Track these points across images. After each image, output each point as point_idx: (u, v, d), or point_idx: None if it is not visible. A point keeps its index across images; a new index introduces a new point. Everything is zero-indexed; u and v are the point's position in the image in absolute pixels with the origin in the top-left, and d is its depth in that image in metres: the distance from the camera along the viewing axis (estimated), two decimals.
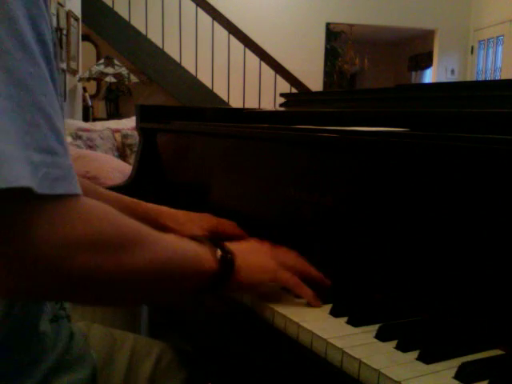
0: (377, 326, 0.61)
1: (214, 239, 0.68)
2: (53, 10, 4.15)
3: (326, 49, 7.37)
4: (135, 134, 3.81)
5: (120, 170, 2.71)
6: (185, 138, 1.36)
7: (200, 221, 0.96)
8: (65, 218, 0.48)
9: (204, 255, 0.64)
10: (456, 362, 0.53)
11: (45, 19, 0.50)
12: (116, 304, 0.83)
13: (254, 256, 0.70)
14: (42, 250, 0.46)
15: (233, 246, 0.68)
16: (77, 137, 3.60)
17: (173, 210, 0.96)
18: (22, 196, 0.44)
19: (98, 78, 5.67)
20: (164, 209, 0.96)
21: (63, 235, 0.47)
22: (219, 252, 0.65)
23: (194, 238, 0.67)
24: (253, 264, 0.69)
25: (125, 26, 5.91)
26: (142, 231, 0.57)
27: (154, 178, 1.43)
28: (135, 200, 0.95)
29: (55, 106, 0.49)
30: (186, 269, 0.62)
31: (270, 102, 5.95)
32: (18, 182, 0.43)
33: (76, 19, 5.07)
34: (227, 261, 0.65)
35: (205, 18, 5.87)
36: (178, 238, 0.63)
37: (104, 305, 0.78)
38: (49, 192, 0.46)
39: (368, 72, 9.41)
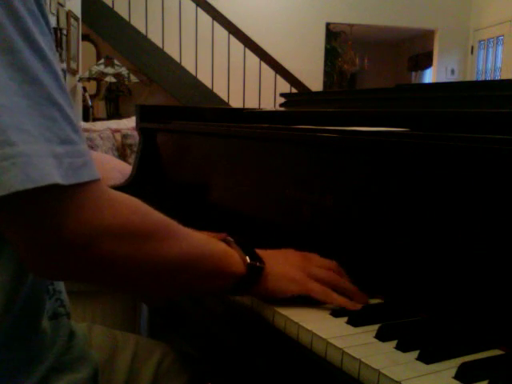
0: (377, 326, 0.60)
1: (245, 244, 0.67)
2: (53, 10, 4.15)
3: (326, 49, 7.37)
4: (135, 134, 3.81)
5: (120, 169, 2.70)
6: (185, 138, 1.36)
7: None
8: (93, 203, 0.50)
9: (232, 258, 0.64)
10: (456, 362, 0.53)
11: (43, 9, 0.51)
12: (141, 292, 0.85)
13: (283, 266, 0.69)
14: (73, 236, 0.49)
15: (264, 253, 0.68)
16: None
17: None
18: (52, 189, 0.46)
19: (98, 78, 5.67)
20: None
21: (92, 222, 0.50)
22: (248, 259, 0.65)
23: (224, 240, 0.67)
24: (281, 274, 0.68)
25: (125, 26, 5.91)
26: (171, 225, 0.59)
27: (154, 177, 1.43)
28: None
29: (65, 96, 0.51)
30: (213, 268, 0.62)
31: (269, 102, 5.94)
32: (45, 181, 0.45)
33: (76, 19, 5.06)
34: (256, 268, 0.65)
35: (205, 18, 5.87)
36: (208, 238, 0.64)
37: (130, 291, 0.78)
38: (76, 181, 0.48)
39: (368, 72, 9.40)
